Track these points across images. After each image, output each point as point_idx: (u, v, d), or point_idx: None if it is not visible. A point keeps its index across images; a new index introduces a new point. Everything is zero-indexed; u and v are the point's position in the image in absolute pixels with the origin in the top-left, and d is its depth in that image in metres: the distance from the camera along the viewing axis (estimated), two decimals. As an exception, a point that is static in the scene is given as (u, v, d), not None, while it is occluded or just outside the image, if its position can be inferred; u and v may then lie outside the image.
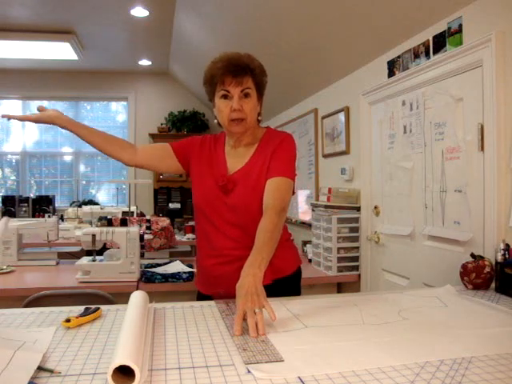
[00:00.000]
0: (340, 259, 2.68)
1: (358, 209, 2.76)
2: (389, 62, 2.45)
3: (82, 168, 6.36)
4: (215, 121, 1.49)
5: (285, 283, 1.47)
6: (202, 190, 1.49)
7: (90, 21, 4.26)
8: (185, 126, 6.12)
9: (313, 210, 2.96)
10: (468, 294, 1.44)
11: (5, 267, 2.45)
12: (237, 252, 1.40)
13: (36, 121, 1.46)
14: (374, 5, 2.18)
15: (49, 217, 3.44)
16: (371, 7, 2.21)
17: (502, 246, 1.51)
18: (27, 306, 1.56)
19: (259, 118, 1.49)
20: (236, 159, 1.48)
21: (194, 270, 2.30)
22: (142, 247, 2.75)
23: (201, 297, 1.55)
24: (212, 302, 1.33)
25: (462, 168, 1.90)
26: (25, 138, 6.20)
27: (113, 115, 6.48)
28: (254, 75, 1.40)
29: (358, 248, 2.74)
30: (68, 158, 6.35)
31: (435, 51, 2.05)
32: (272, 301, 1.26)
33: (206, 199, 1.47)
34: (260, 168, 1.43)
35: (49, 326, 1.10)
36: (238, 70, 1.36)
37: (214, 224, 1.46)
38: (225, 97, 1.38)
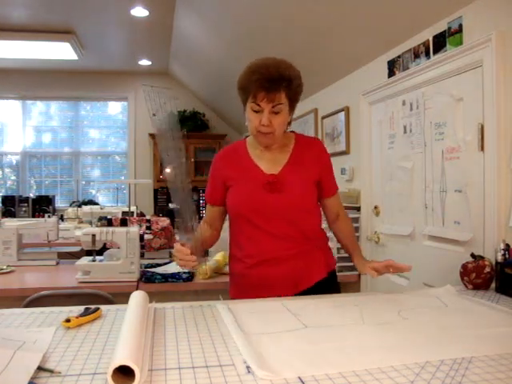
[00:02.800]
0: (340, 259, 2.68)
1: (358, 209, 2.76)
2: (389, 62, 2.45)
3: (81, 168, 6.35)
4: (246, 123, 1.47)
5: (333, 275, 1.60)
6: (243, 196, 1.48)
7: (89, 21, 4.25)
8: (185, 126, 6.11)
9: (313, 210, 2.96)
10: (468, 294, 1.44)
11: (5, 267, 2.44)
12: (290, 251, 1.46)
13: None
14: (374, 5, 2.18)
15: (49, 217, 3.43)
16: (371, 7, 2.21)
17: (502, 245, 1.50)
18: (27, 306, 1.56)
19: (288, 126, 1.49)
20: (269, 163, 1.49)
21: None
22: (142, 247, 2.75)
23: None
24: (212, 302, 1.32)
25: (462, 168, 1.90)
26: (25, 137, 6.19)
27: (113, 115, 6.47)
28: (288, 88, 1.37)
29: (358, 248, 2.74)
30: (68, 158, 6.34)
31: (435, 51, 2.05)
32: (271, 301, 1.27)
33: (250, 203, 1.46)
34: (301, 175, 1.47)
35: (49, 326, 1.10)
36: (272, 87, 1.34)
37: (261, 228, 1.46)
38: (255, 109, 1.38)
